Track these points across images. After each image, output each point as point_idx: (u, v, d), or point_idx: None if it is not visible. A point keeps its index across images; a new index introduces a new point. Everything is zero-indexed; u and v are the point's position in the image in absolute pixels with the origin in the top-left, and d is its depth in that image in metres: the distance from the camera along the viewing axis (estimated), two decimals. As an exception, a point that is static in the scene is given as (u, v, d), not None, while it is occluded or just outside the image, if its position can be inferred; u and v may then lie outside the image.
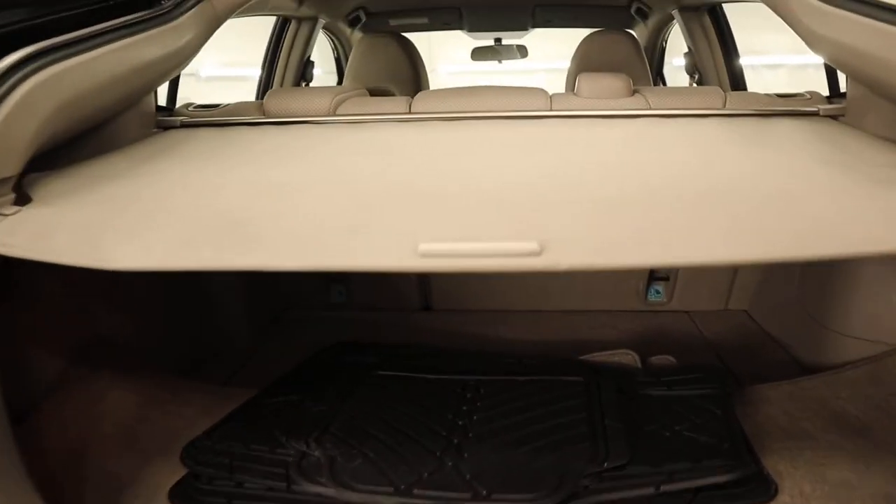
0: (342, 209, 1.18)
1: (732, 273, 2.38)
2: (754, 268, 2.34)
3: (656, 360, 1.93)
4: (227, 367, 2.08)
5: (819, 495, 1.32)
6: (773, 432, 1.55)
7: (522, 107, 1.88)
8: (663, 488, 1.31)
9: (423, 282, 2.50)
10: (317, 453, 1.47)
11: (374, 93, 2.39)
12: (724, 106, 1.88)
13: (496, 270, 1.03)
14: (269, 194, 1.27)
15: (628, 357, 1.93)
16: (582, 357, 1.96)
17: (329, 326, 2.41)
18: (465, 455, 1.46)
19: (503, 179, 1.31)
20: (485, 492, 1.33)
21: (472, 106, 1.88)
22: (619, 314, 2.45)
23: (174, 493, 1.40)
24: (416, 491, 1.34)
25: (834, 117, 1.85)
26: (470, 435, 1.54)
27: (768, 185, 1.23)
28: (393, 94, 3.12)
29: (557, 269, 0.99)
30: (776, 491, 1.34)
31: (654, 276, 2.43)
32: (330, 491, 1.35)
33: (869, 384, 1.67)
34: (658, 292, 2.46)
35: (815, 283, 1.98)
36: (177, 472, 1.46)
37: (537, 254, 0.99)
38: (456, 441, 1.51)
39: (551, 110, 1.89)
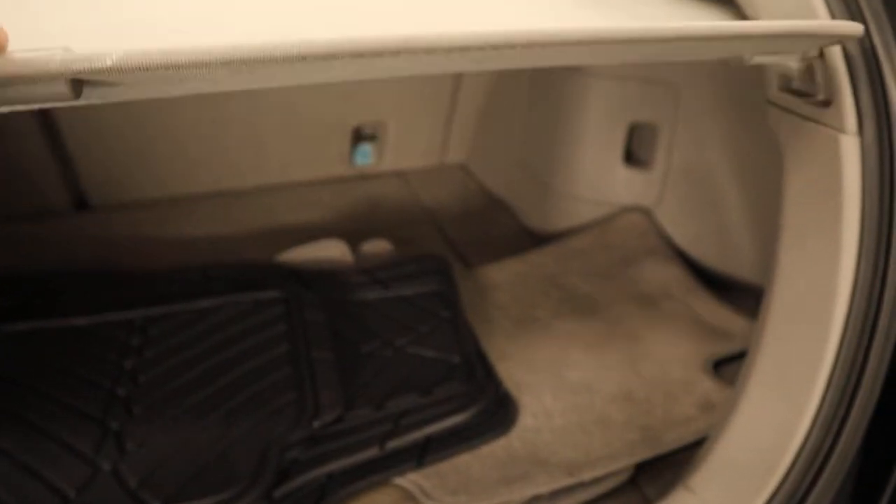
0: None
1: (447, 124, 2.11)
2: (471, 117, 2.09)
3: (369, 247, 1.63)
4: None
5: (562, 408, 1.15)
6: (506, 327, 1.35)
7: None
8: (389, 446, 1.05)
9: (67, 166, 1.88)
10: None
11: None
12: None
13: None
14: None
15: (336, 248, 1.60)
16: (281, 257, 1.59)
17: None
18: (129, 448, 1.05)
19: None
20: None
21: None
22: (323, 185, 2.08)
23: None
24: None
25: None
26: (135, 412, 1.12)
27: None
28: None
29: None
30: (516, 412, 1.14)
31: (361, 134, 2.08)
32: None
33: (598, 252, 1.53)
34: (365, 154, 2.12)
35: (536, 137, 1.77)
36: None
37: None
38: (115, 427, 1.09)
39: None
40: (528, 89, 1.79)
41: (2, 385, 1.17)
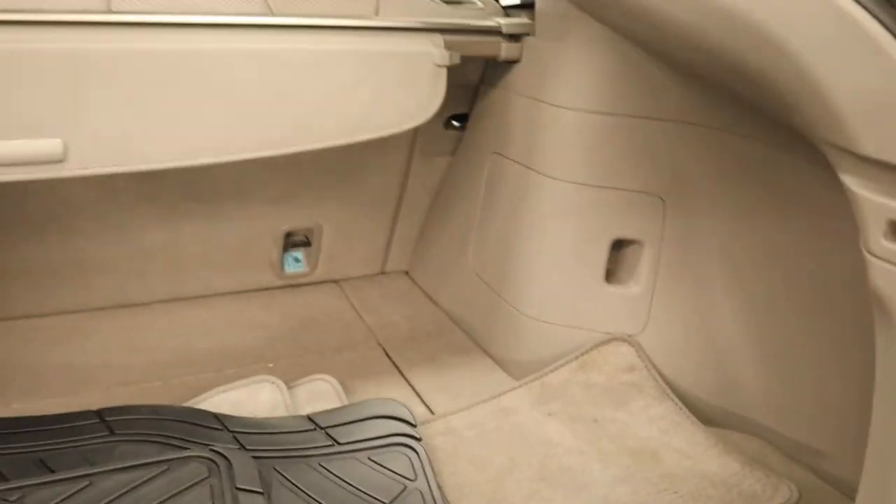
0: None
1: (388, 229, 1.89)
2: (411, 224, 1.89)
3: (310, 385, 1.36)
4: None
5: None
6: (487, 498, 1.11)
7: (64, 4, 1.08)
8: None
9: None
10: None
11: None
12: (377, 13, 1.32)
13: None
14: None
15: (268, 388, 1.33)
16: (201, 401, 1.30)
17: None
18: None
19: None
20: None
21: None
22: (250, 296, 1.81)
23: None
24: None
25: (517, 37, 1.41)
26: None
27: None
28: None
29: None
30: None
31: (292, 241, 1.83)
32: None
33: (579, 391, 1.32)
34: (298, 261, 1.87)
35: (494, 248, 1.57)
36: None
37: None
38: None
39: (110, 11, 1.12)
40: (484, 192, 1.61)
41: None
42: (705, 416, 1.32)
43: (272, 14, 1.22)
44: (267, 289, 1.85)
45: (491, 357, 1.55)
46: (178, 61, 1.14)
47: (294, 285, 1.88)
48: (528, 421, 1.27)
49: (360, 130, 1.26)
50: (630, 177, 1.34)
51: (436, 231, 1.85)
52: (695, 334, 1.37)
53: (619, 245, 1.42)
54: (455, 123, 1.71)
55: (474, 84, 1.62)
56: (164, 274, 1.73)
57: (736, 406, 1.32)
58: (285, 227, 1.77)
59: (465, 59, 1.37)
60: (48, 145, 1.07)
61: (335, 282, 1.91)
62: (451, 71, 1.33)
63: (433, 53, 1.29)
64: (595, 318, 1.42)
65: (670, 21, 0.91)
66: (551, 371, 1.37)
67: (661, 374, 1.36)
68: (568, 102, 1.32)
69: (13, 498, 1.05)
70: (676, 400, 1.31)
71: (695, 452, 1.21)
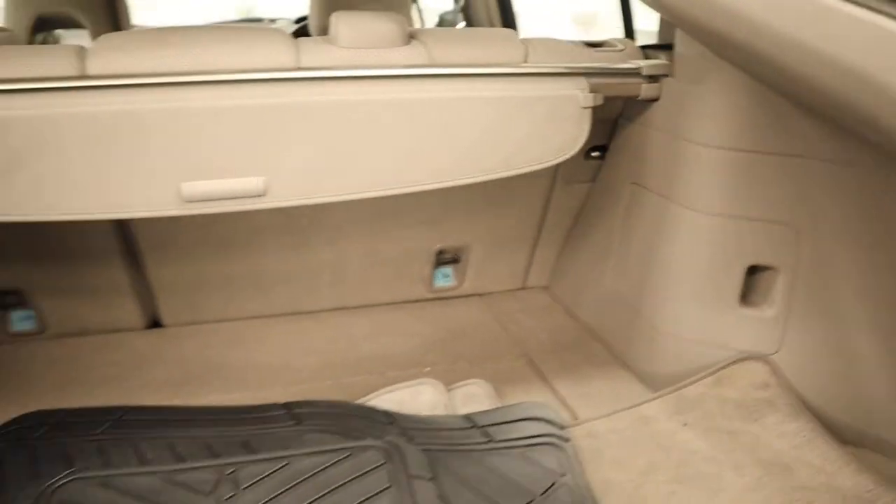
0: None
1: (530, 249, 2.05)
2: (552, 244, 2.03)
3: (465, 388, 1.53)
4: None
5: None
6: (629, 495, 1.23)
7: (258, 63, 1.31)
8: None
9: (142, 293, 1.85)
10: None
11: (46, 25, 1.63)
12: (526, 59, 1.48)
13: None
14: None
15: (430, 390, 1.51)
16: (371, 399, 1.50)
17: (9, 375, 1.70)
18: None
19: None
20: None
21: (183, 62, 1.27)
22: (403, 307, 2.02)
23: None
24: None
25: (656, 77, 1.52)
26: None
27: None
28: (80, 26, 2.29)
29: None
30: None
31: (442, 258, 2.02)
32: None
33: (714, 404, 1.42)
34: (447, 276, 2.06)
35: (633, 269, 1.69)
36: None
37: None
38: None
39: (299, 69, 1.34)
40: (623, 218, 1.73)
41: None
42: (840, 435, 1.38)
43: (436, 65, 1.40)
44: (418, 301, 2.05)
45: (628, 369, 1.66)
46: (358, 109, 1.33)
47: (443, 298, 2.07)
48: (665, 429, 1.38)
49: (514, 165, 1.42)
50: (764, 207, 1.42)
51: (575, 251, 1.98)
52: (829, 357, 1.42)
53: (753, 270, 1.50)
54: (594, 154, 1.84)
55: (613, 118, 1.75)
56: (330, 286, 1.97)
57: (871, 427, 1.37)
58: (437, 246, 1.96)
59: (607, 98, 1.50)
60: (253, 183, 1.30)
61: (480, 295, 2.09)
62: (595, 107, 1.46)
63: (578, 96, 1.42)
64: (730, 338, 1.50)
65: (797, 73, 1.01)
66: (688, 384, 1.47)
67: (794, 393, 1.43)
68: (706, 140, 1.43)
69: (228, 472, 1.28)
70: (811, 417, 1.38)
71: (829, 468, 1.28)
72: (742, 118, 1.38)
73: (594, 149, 1.83)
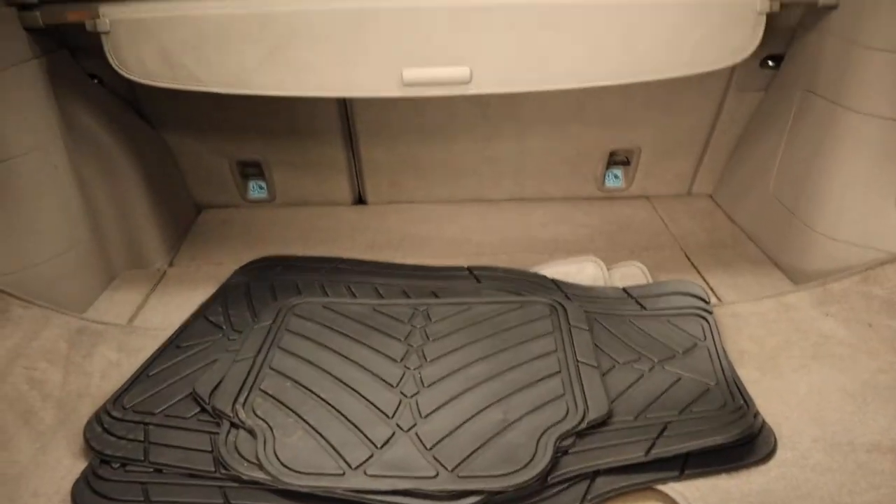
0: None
1: (698, 155, 2.16)
2: (723, 149, 2.13)
3: (624, 269, 1.73)
4: (133, 292, 1.78)
5: (822, 447, 1.18)
6: (760, 361, 1.40)
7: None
8: (653, 453, 1.15)
9: (354, 172, 2.20)
10: (248, 422, 1.23)
11: None
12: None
13: None
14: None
15: (592, 266, 1.73)
16: (542, 268, 1.74)
17: (248, 231, 2.12)
18: (422, 417, 1.25)
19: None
20: (450, 468, 1.14)
21: None
22: (576, 203, 2.22)
23: (79, 488, 1.15)
24: (369, 472, 1.14)
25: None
26: (425, 385, 1.32)
27: None
28: None
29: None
30: (775, 445, 1.19)
31: (613, 159, 2.19)
32: (268, 477, 1.13)
33: (858, 299, 1.52)
34: (617, 177, 2.23)
35: (795, 174, 1.78)
36: (79, 457, 1.21)
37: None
38: (410, 396, 1.30)
39: None
40: (791, 125, 1.80)
41: (312, 353, 1.42)
42: None
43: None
44: (588, 198, 2.24)
45: (779, 267, 1.78)
46: (553, 10, 1.51)
47: (612, 198, 2.25)
48: (806, 317, 1.51)
49: (689, 65, 1.55)
50: None
51: (742, 159, 2.08)
52: None
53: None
54: (770, 63, 1.90)
55: (793, 26, 1.80)
56: (512, 178, 2.21)
57: None
58: (610, 147, 2.13)
59: (785, 5, 1.56)
60: (460, 71, 1.54)
61: (646, 198, 2.24)
62: (771, 15, 1.54)
63: (755, 2, 1.52)
64: (882, 240, 1.57)
65: None
66: (835, 280, 1.57)
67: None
68: (884, 44, 1.48)
69: (421, 308, 1.57)
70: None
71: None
72: None
73: (770, 57, 1.89)
